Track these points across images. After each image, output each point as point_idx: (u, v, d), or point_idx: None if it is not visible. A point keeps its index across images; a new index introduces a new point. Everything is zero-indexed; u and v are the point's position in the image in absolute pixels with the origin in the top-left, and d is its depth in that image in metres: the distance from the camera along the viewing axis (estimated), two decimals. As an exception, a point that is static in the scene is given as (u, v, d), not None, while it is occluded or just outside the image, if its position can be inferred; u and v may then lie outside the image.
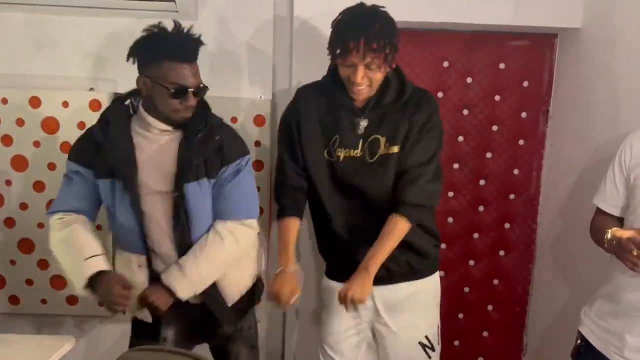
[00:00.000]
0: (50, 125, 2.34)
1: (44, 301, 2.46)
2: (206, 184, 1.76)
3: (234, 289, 1.90)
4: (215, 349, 2.02)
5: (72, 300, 2.46)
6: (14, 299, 2.45)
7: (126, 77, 2.34)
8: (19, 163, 2.36)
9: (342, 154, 1.84)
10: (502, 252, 2.73)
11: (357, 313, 1.92)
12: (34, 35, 2.34)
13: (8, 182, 2.37)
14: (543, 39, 2.56)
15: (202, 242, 1.78)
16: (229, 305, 1.88)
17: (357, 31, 1.68)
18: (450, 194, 2.65)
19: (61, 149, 2.35)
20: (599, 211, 1.84)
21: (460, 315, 2.78)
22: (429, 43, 2.52)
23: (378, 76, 1.75)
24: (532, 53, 2.57)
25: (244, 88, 2.40)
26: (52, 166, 2.36)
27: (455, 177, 2.64)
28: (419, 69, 2.52)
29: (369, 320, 1.98)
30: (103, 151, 1.72)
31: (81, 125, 2.34)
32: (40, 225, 2.40)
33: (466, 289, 2.75)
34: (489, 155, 2.64)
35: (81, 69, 2.37)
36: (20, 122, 2.33)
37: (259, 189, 2.10)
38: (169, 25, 1.73)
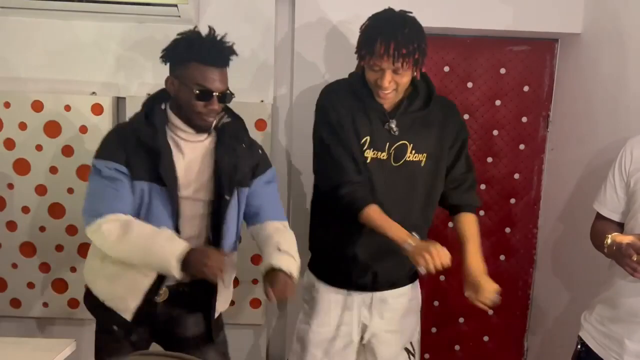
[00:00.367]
0: (53, 129, 2.35)
1: (45, 304, 2.47)
2: (235, 192, 1.78)
3: (225, 302, 1.90)
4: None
5: (73, 303, 2.47)
6: (15, 302, 2.46)
7: (128, 81, 2.39)
8: (21, 166, 2.37)
9: (370, 155, 1.84)
10: (502, 257, 2.73)
11: (345, 315, 1.95)
12: (37, 39, 2.35)
13: (10, 186, 2.38)
14: (543, 44, 2.57)
15: (277, 232, 1.81)
16: (215, 317, 1.86)
17: (388, 36, 1.70)
18: (451, 198, 2.65)
19: (63, 152, 2.36)
20: (599, 216, 1.84)
21: (461, 320, 2.78)
22: (430, 48, 2.48)
23: (404, 80, 1.77)
24: (532, 58, 2.57)
25: (245, 92, 2.40)
26: (54, 170, 2.37)
27: (456, 181, 2.64)
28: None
29: (358, 321, 1.98)
30: (146, 154, 1.67)
31: (83, 129, 2.35)
32: (42, 229, 2.41)
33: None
34: (489, 159, 2.64)
35: (83, 73, 2.38)
36: (22, 126, 2.34)
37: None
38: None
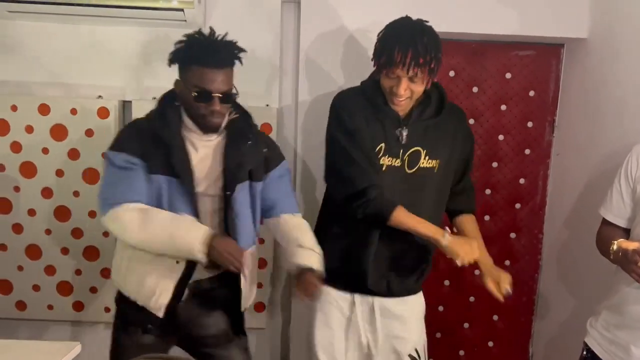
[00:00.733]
0: (59, 133, 2.36)
1: (50, 307, 2.48)
2: (247, 186, 1.80)
3: (248, 299, 1.90)
4: (201, 355, 1.93)
5: (78, 306, 2.48)
6: (20, 305, 2.47)
7: (134, 85, 2.40)
8: (28, 169, 2.38)
9: (385, 162, 1.86)
10: (507, 262, 2.72)
11: (351, 320, 1.96)
12: (44, 43, 2.36)
13: (16, 189, 2.39)
14: (549, 49, 2.56)
15: (296, 227, 1.87)
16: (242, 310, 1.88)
17: (406, 45, 1.71)
18: (456, 203, 2.65)
19: (69, 156, 2.37)
20: (605, 222, 1.83)
21: (466, 325, 2.77)
22: None
23: (419, 89, 1.79)
24: (538, 63, 2.57)
25: (251, 97, 2.40)
26: (60, 173, 2.38)
27: (461, 186, 2.64)
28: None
29: (363, 327, 1.98)
30: (163, 149, 1.68)
31: (89, 132, 2.36)
32: (48, 232, 2.42)
33: (472, 299, 2.74)
34: (494, 164, 2.64)
35: (90, 77, 2.39)
36: (29, 129, 2.36)
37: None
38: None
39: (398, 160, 1.86)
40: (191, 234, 1.60)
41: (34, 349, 1.68)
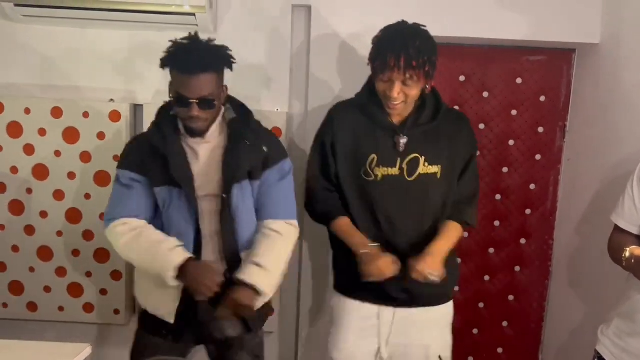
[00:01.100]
0: (71, 135, 2.38)
1: (60, 308, 2.50)
2: (248, 185, 1.81)
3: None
4: (215, 356, 1.99)
5: (88, 308, 2.49)
6: (32, 306, 2.49)
7: (145, 89, 2.41)
8: (40, 172, 2.40)
9: (380, 172, 1.85)
10: (517, 268, 2.70)
11: (369, 331, 1.93)
12: (57, 47, 2.39)
13: (29, 191, 2.42)
14: (561, 54, 2.55)
15: (262, 240, 1.81)
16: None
17: (398, 48, 1.72)
18: (466, 208, 2.64)
19: (81, 158, 2.39)
20: (617, 229, 1.82)
21: (475, 331, 2.75)
22: (445, 57, 2.52)
23: (414, 92, 1.78)
24: (549, 68, 2.56)
25: (260, 100, 2.42)
26: (72, 175, 2.40)
27: (471, 191, 2.63)
28: (435, 83, 2.50)
29: (384, 338, 1.96)
30: (162, 161, 1.75)
31: (101, 135, 2.38)
32: (59, 234, 2.44)
33: (481, 305, 2.73)
34: (505, 169, 2.63)
35: (102, 80, 2.41)
36: (42, 132, 2.38)
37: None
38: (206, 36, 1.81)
39: (395, 169, 1.85)
40: (167, 259, 1.69)
41: (44, 350, 1.70)
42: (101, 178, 2.39)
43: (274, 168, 1.85)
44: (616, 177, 2.18)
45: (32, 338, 1.88)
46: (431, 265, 1.78)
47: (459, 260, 2.62)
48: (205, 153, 1.81)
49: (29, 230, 2.44)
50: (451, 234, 1.91)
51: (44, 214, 2.43)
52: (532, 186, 2.64)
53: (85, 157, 2.39)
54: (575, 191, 2.54)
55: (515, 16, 2.37)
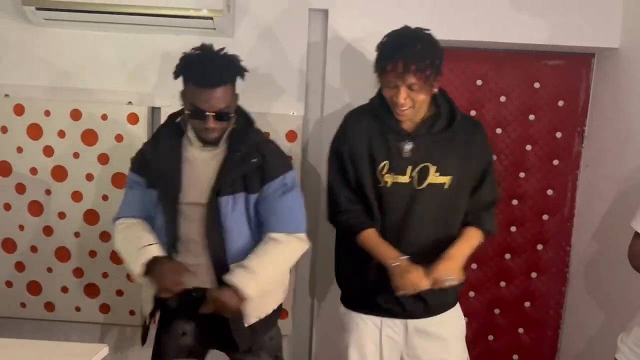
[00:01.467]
0: (90, 138, 2.41)
1: (77, 308, 2.52)
2: (242, 198, 1.81)
3: (255, 312, 1.88)
4: (235, 357, 1.99)
5: (105, 308, 2.52)
6: (49, 306, 2.52)
7: (163, 92, 2.44)
8: (59, 173, 2.44)
9: (390, 179, 1.84)
10: (534, 274, 2.67)
11: (384, 344, 1.92)
12: (77, 50, 2.42)
13: (48, 192, 2.45)
14: (579, 59, 2.53)
15: (260, 246, 1.81)
16: (246, 325, 1.86)
17: (397, 52, 1.71)
18: (482, 213, 2.62)
19: (99, 160, 2.42)
20: (637, 235, 1.79)
21: (490, 337, 2.73)
22: (462, 61, 2.52)
23: (421, 97, 1.76)
24: (568, 72, 2.54)
25: (276, 104, 2.43)
26: (90, 177, 2.43)
27: (487, 196, 2.61)
28: (452, 87, 2.51)
29: (398, 349, 1.94)
30: (151, 165, 1.85)
31: (119, 137, 2.40)
32: (77, 235, 2.47)
33: (496, 311, 2.70)
34: (522, 175, 2.60)
35: (120, 83, 2.44)
36: (61, 134, 2.41)
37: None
38: (218, 44, 1.82)
39: (405, 177, 1.83)
40: (138, 256, 1.75)
41: (62, 350, 1.71)
42: (118, 180, 2.42)
43: (274, 182, 1.82)
44: (636, 183, 2.15)
45: (49, 338, 1.91)
46: (448, 270, 1.76)
47: (474, 265, 2.63)
48: (203, 161, 1.83)
49: (48, 231, 2.47)
50: (471, 239, 1.88)
51: (62, 215, 2.46)
52: (550, 192, 2.62)
53: (103, 159, 2.42)
54: (594, 197, 2.51)
55: (534, 20, 2.35)
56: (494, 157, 1.98)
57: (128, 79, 2.43)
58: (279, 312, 2.02)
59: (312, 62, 2.46)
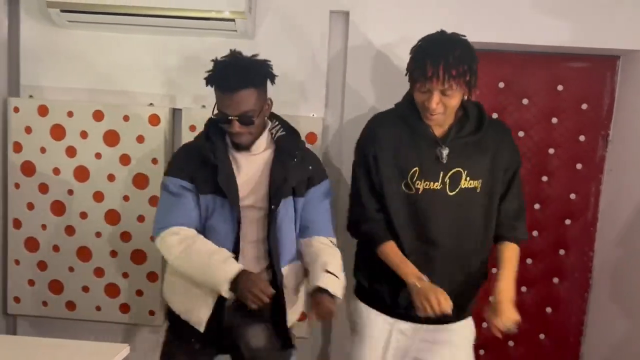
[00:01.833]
0: (112, 138, 2.43)
1: (98, 308, 2.54)
2: (291, 201, 1.86)
3: (294, 314, 1.91)
4: None
5: (125, 308, 2.53)
6: (70, 305, 2.54)
7: (184, 93, 2.45)
8: (81, 174, 2.46)
9: (421, 186, 1.83)
10: (556, 279, 2.63)
11: (390, 344, 1.92)
12: (100, 52, 2.45)
13: (70, 192, 2.48)
14: (604, 61, 2.49)
15: (325, 250, 1.86)
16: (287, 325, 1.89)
17: (437, 58, 1.69)
18: (503, 217, 2.59)
19: (120, 161, 2.44)
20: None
21: (511, 343, 2.69)
22: (484, 63, 2.45)
23: (453, 102, 1.75)
24: (592, 75, 2.50)
25: (296, 106, 2.43)
26: (111, 177, 2.45)
27: (509, 200, 2.58)
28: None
29: (405, 349, 1.94)
30: (209, 170, 1.80)
31: (140, 138, 2.42)
32: (98, 235, 2.49)
33: (517, 316, 2.67)
34: (544, 178, 2.57)
35: (142, 85, 2.46)
36: (83, 135, 2.44)
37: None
38: (239, 46, 1.85)
39: (437, 183, 1.82)
40: (221, 271, 1.71)
41: (84, 349, 1.73)
42: (140, 181, 2.44)
43: (318, 186, 1.91)
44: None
45: (70, 336, 1.93)
46: (509, 317, 1.79)
47: (495, 270, 2.59)
48: (249, 166, 1.85)
49: (69, 230, 2.50)
50: (513, 262, 1.89)
51: (84, 215, 2.49)
52: (573, 196, 2.58)
53: (125, 159, 2.44)
54: (618, 202, 2.47)
55: (557, 22, 2.32)
56: (520, 163, 1.94)
57: (150, 80, 2.45)
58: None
59: (332, 64, 2.46)
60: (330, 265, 1.81)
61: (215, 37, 2.36)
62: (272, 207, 1.81)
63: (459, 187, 1.82)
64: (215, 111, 1.81)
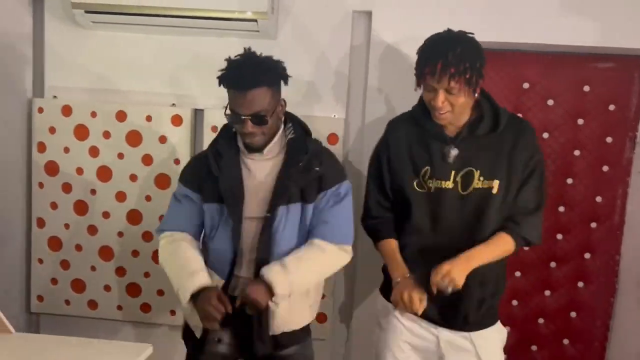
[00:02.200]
0: (134, 139, 2.45)
1: (119, 307, 2.56)
2: (297, 208, 1.80)
3: (281, 323, 1.84)
4: None
5: (146, 308, 2.55)
6: (92, 304, 2.56)
7: (206, 94, 2.45)
8: (104, 173, 2.48)
9: (433, 185, 1.82)
10: (581, 284, 2.58)
11: (418, 344, 1.90)
12: (123, 52, 2.47)
13: (93, 192, 2.50)
14: (632, 61, 2.43)
15: (304, 249, 1.80)
16: (270, 334, 1.82)
17: (436, 55, 1.69)
18: (527, 219, 2.55)
19: (143, 161, 2.45)
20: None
21: (534, 348, 2.65)
22: (508, 64, 2.46)
23: (460, 101, 1.73)
24: (619, 75, 2.44)
25: (318, 106, 2.42)
26: (133, 177, 2.46)
27: (533, 202, 2.54)
28: (497, 89, 2.44)
29: (430, 352, 1.92)
30: (215, 179, 1.80)
31: (162, 139, 2.43)
32: (120, 234, 2.50)
33: (540, 320, 2.62)
34: (569, 180, 2.52)
35: (164, 85, 2.47)
36: (106, 135, 2.45)
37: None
38: (261, 47, 1.84)
39: (449, 182, 1.81)
40: (188, 283, 1.73)
41: (107, 348, 1.74)
42: (162, 181, 2.45)
43: (329, 191, 1.83)
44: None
45: (91, 335, 1.94)
46: (449, 273, 1.70)
47: (518, 273, 2.56)
48: (261, 171, 1.82)
49: (92, 230, 2.52)
50: (496, 245, 1.80)
51: (106, 215, 2.50)
52: (599, 199, 2.53)
53: (147, 160, 2.45)
54: (646, 205, 2.42)
55: (583, 21, 2.28)
56: (540, 162, 1.86)
57: (172, 81, 2.46)
58: (308, 333, 1.97)
59: (354, 65, 2.44)
60: (289, 259, 1.75)
61: (237, 37, 2.36)
62: (267, 214, 1.77)
63: (472, 186, 1.79)
64: (228, 111, 1.77)
